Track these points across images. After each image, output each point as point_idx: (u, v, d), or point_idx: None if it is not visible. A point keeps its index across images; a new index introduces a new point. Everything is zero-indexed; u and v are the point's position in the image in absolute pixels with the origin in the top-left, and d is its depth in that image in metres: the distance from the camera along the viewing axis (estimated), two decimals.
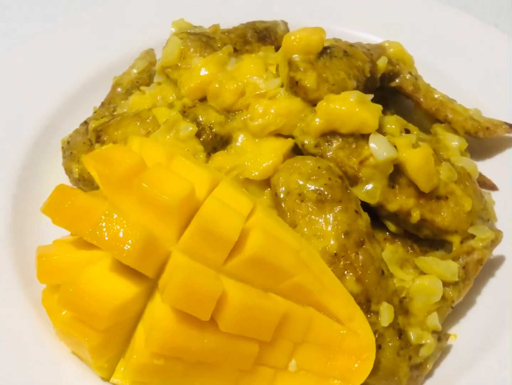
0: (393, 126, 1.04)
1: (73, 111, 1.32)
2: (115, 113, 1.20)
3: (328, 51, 1.09)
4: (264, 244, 0.89)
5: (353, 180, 1.01)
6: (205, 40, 1.23)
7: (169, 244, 0.90)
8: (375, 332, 0.93)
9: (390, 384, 0.95)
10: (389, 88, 1.27)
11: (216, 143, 1.07)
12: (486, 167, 1.26)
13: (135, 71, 1.30)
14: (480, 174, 1.23)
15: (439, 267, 1.00)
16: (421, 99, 1.25)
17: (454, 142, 1.17)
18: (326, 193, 0.98)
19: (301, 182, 0.99)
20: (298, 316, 0.90)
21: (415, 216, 1.02)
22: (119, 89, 1.28)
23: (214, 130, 1.06)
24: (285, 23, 1.41)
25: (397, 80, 1.26)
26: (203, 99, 1.12)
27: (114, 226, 0.85)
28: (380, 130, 1.03)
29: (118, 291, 0.88)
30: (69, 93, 1.35)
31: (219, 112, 1.08)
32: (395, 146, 1.00)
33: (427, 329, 0.97)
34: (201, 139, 1.06)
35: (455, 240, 1.05)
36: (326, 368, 0.91)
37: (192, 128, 1.05)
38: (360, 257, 0.95)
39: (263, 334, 0.88)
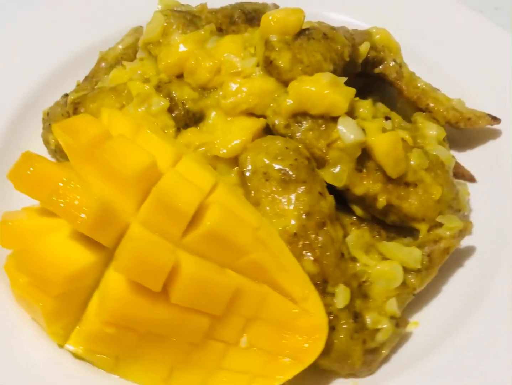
0: (366, 111, 1.04)
1: (60, 85, 1.33)
2: (96, 87, 1.21)
3: (306, 32, 1.08)
4: (221, 219, 0.89)
5: (320, 162, 1.01)
6: (189, 18, 1.22)
7: (128, 216, 0.90)
8: (329, 314, 0.93)
9: (343, 367, 0.95)
10: (374, 75, 1.26)
11: (188, 119, 1.07)
12: (467, 158, 1.25)
13: (120, 47, 1.31)
14: (459, 166, 1.22)
15: (402, 253, 1.00)
16: (404, 86, 1.24)
17: (432, 132, 1.16)
18: (290, 173, 0.97)
19: (267, 162, 0.99)
20: (252, 293, 0.90)
21: (382, 201, 1.02)
22: (103, 64, 1.28)
23: (186, 106, 1.07)
24: (276, 6, 1.41)
25: (380, 67, 1.25)
26: (180, 76, 1.12)
27: (71, 193, 0.86)
28: (352, 113, 1.03)
29: (74, 258, 0.88)
30: (56, 67, 1.36)
31: (194, 89, 1.09)
32: (364, 130, 0.99)
33: (385, 314, 0.97)
34: (173, 114, 1.06)
35: (422, 227, 1.04)
36: (277, 346, 0.91)
37: (164, 103, 1.05)
38: (320, 238, 0.95)
39: (214, 308, 0.88)
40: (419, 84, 1.24)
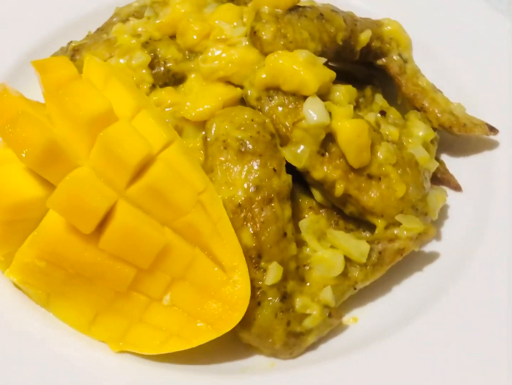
0: (341, 96, 1.01)
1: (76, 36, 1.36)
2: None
3: (300, 9, 1.07)
4: (163, 176, 0.90)
5: (284, 140, 1.00)
6: None
7: (79, 158, 0.93)
8: (258, 289, 0.92)
9: (264, 344, 0.94)
10: (379, 66, 1.23)
11: (168, 79, 1.08)
12: (458, 166, 1.21)
13: (136, 4, 1.33)
14: (446, 172, 1.18)
15: (348, 244, 0.98)
16: (403, 82, 1.20)
17: (420, 132, 1.12)
18: (248, 144, 0.97)
19: (229, 130, 0.99)
20: (181, 253, 0.91)
21: (339, 189, 1.00)
22: (115, 18, 1.31)
23: (168, 65, 1.08)
24: None
25: (383, 59, 1.22)
26: (173, 37, 1.13)
27: (25, 126, 0.88)
28: (325, 96, 1.01)
29: (22, 189, 0.92)
30: (75, 20, 1.40)
31: (180, 51, 1.09)
32: (331, 114, 0.97)
33: (318, 302, 0.95)
34: (153, 71, 1.08)
35: (379, 223, 1.02)
36: (198, 309, 0.91)
37: (144, 58, 1.07)
38: (264, 213, 0.94)
39: (141, 261, 0.89)
40: (420, 82, 1.20)
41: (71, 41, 1.26)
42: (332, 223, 1.04)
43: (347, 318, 1.02)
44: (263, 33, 1.02)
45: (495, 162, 1.18)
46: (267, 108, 1.00)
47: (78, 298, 0.94)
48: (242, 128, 0.99)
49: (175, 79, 1.09)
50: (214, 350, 0.94)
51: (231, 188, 0.96)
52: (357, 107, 1.17)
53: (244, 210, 0.94)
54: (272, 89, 1.01)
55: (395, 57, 1.21)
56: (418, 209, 1.03)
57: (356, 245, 0.98)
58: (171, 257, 0.91)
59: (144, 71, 1.07)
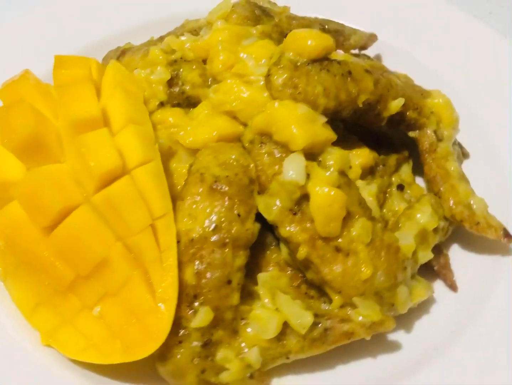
0: (331, 161, 0.97)
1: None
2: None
3: (325, 62, 1.04)
4: (123, 191, 0.92)
5: (262, 188, 0.98)
6: (258, 14, 1.24)
7: (62, 155, 0.97)
8: (183, 328, 0.92)
9: (175, 383, 0.93)
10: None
11: (182, 100, 1.10)
12: (465, 264, 1.11)
13: (203, 21, 1.36)
14: (446, 267, 1.10)
15: (290, 311, 0.94)
16: (428, 160, 1.13)
17: (422, 218, 1.05)
18: (222, 183, 0.96)
19: (210, 164, 0.98)
20: (120, 270, 0.92)
21: (301, 252, 0.96)
22: (177, 29, 1.35)
23: (184, 87, 1.09)
24: (369, 36, 1.36)
25: (417, 132, 1.15)
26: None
27: (16, 113, 0.94)
28: (315, 156, 0.97)
29: (3, 169, 0.98)
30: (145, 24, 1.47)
31: (202, 76, 1.10)
32: (308, 176, 0.94)
33: (242, 359, 0.93)
34: (170, 90, 1.10)
35: (336, 300, 0.96)
36: (120, 329, 0.92)
37: (164, 76, 1.09)
38: (213, 256, 0.93)
39: (81, 266, 0.91)
40: (447, 166, 1.12)
41: (128, 43, 1.32)
42: (293, 284, 1.00)
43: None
44: (275, 77, 1.01)
45: (503, 271, 1.07)
46: (255, 152, 0.99)
47: (26, 283, 0.99)
48: (223, 166, 0.98)
49: (189, 102, 1.10)
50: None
51: (191, 221, 0.95)
52: (371, 173, 1.12)
53: (196, 247, 0.94)
54: (266, 136, 0.99)
55: (428, 132, 1.14)
56: (383, 298, 0.97)
57: (299, 315, 0.94)
58: (109, 271, 0.92)
59: (161, 87, 1.09)
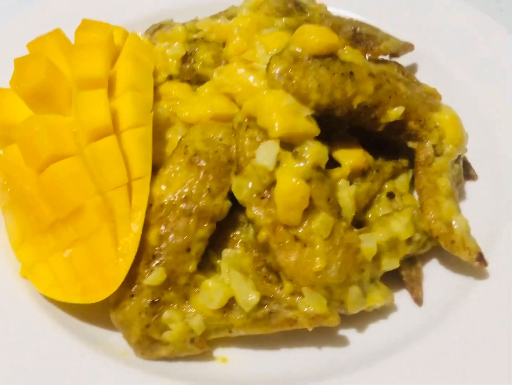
0: (307, 154, 1.00)
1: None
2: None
3: (328, 60, 1.06)
4: (107, 149, 1.00)
5: (239, 169, 1.02)
6: (290, 7, 1.28)
7: (68, 108, 1.06)
8: (137, 283, 0.99)
9: (123, 332, 1.00)
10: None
11: (192, 77, 1.17)
12: (438, 283, 1.11)
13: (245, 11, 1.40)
14: (415, 280, 1.11)
15: (238, 288, 0.99)
16: (419, 172, 1.13)
17: (397, 227, 1.06)
18: (201, 158, 1.02)
19: (195, 139, 1.04)
20: (92, 220, 0.99)
21: (261, 235, 1.00)
22: (220, 13, 1.40)
23: (195, 64, 1.16)
24: (404, 44, 1.36)
25: (416, 143, 1.15)
26: None
27: (31, 64, 1.04)
28: (292, 147, 1.01)
29: (14, 114, 1.08)
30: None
31: (216, 58, 1.16)
32: (278, 164, 0.98)
33: (186, 324, 0.98)
34: (183, 65, 1.16)
35: (287, 287, 1.00)
36: (83, 273, 1.00)
37: (179, 51, 1.16)
38: (178, 223, 0.99)
39: (60, 210, 1.00)
40: (438, 182, 1.11)
41: (169, 19, 1.39)
42: (255, 266, 1.04)
43: (217, 355, 1.02)
44: (273, 66, 1.04)
45: (472, 297, 1.06)
46: (240, 134, 1.03)
47: (17, 219, 1.09)
48: (206, 142, 1.04)
49: (198, 80, 1.17)
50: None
51: (166, 188, 1.02)
52: (364, 175, 1.13)
53: (164, 211, 1.00)
54: (252, 120, 1.03)
55: (427, 145, 1.13)
56: (333, 293, 0.99)
57: (246, 293, 0.98)
58: (83, 219, 1.00)
59: (174, 62, 1.16)
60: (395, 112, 1.10)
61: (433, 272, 1.13)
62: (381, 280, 1.06)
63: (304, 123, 1.00)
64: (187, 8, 1.53)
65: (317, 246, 0.98)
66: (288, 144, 1.00)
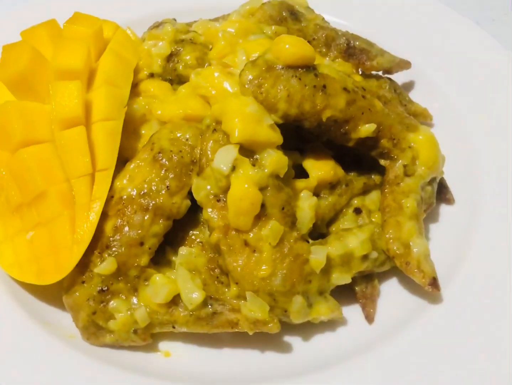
0: (266, 162, 1.01)
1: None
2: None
3: (302, 71, 1.07)
4: (74, 138, 1.04)
5: (200, 170, 1.05)
6: (285, 15, 1.30)
7: (46, 96, 1.10)
8: (89, 271, 1.02)
9: (72, 316, 1.04)
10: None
11: (174, 77, 1.20)
12: (394, 303, 1.11)
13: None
14: (369, 297, 1.10)
15: (183, 285, 1.01)
16: (386, 190, 1.13)
17: (352, 242, 1.06)
18: (164, 156, 1.05)
19: (163, 137, 1.07)
20: (53, 205, 1.03)
21: (214, 237, 1.02)
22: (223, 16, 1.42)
23: (177, 64, 1.19)
24: (400, 61, 1.36)
25: (388, 161, 1.15)
26: None
27: (16, 51, 1.09)
28: (252, 154, 1.02)
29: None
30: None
31: (199, 60, 1.19)
32: (234, 168, 0.99)
33: (131, 315, 1.01)
34: (166, 64, 1.20)
35: (233, 290, 1.01)
36: (40, 256, 1.04)
37: (163, 51, 1.19)
38: (134, 217, 1.02)
39: (26, 193, 1.05)
40: (402, 202, 1.11)
41: (170, 18, 1.42)
42: (208, 267, 1.06)
43: (162, 348, 1.05)
44: (246, 73, 1.06)
45: (423, 321, 1.05)
46: (205, 136, 1.05)
47: None
48: (172, 141, 1.06)
49: (179, 80, 1.19)
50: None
51: (128, 182, 1.05)
52: (332, 188, 1.14)
53: (122, 204, 1.03)
54: (219, 124, 1.05)
55: (397, 165, 1.13)
56: (277, 301, 1.00)
57: (191, 291, 1.00)
58: (46, 204, 1.04)
59: (159, 61, 1.19)
60: (366, 129, 1.10)
61: (391, 291, 1.13)
62: (338, 292, 1.06)
63: (266, 131, 1.02)
64: (199, 8, 1.55)
65: (265, 253, 0.99)
66: (250, 150, 1.02)
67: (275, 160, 1.02)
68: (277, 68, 1.07)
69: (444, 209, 1.24)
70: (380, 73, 1.37)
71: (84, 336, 1.03)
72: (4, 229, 1.11)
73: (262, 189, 1.00)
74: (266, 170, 1.01)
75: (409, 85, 1.46)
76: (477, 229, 1.16)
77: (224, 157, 1.00)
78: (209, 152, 1.04)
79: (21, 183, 1.05)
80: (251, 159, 1.01)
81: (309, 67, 1.08)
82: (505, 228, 1.14)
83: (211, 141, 1.04)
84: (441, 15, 1.52)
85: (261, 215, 1.00)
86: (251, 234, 1.00)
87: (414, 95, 1.41)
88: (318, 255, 1.02)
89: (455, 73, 1.42)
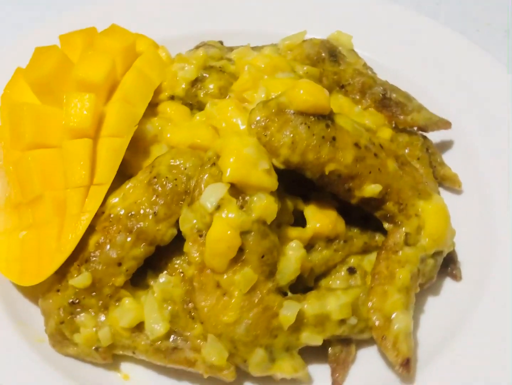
0: (255, 205, 0.98)
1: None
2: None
3: (313, 119, 1.04)
4: (78, 149, 1.06)
5: (191, 202, 1.04)
6: (323, 57, 1.28)
7: None
8: (66, 281, 1.04)
9: (44, 320, 1.06)
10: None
11: (194, 102, 1.20)
12: (369, 372, 1.07)
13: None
14: (342, 364, 1.06)
15: (148, 315, 1.01)
16: (380, 258, 1.08)
17: (329, 305, 1.02)
18: (158, 182, 1.05)
19: (163, 162, 1.07)
20: (46, 211, 1.06)
21: (189, 271, 1.01)
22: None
23: (199, 91, 1.19)
24: (438, 121, 1.31)
25: (391, 226, 1.10)
26: None
27: (45, 56, 1.13)
28: (244, 196, 1.00)
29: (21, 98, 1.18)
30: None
31: (223, 89, 1.19)
32: (219, 208, 0.98)
33: (95, 332, 1.02)
34: (190, 89, 1.20)
35: (197, 328, 1.01)
36: (26, 257, 1.07)
37: (190, 75, 1.20)
38: (117, 237, 1.03)
39: (26, 193, 1.08)
40: (397, 273, 1.06)
41: (215, 41, 1.42)
42: (184, 299, 1.05)
43: (124, 369, 1.05)
44: (255, 112, 1.04)
45: None
46: (203, 168, 1.04)
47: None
48: (170, 168, 1.06)
49: (199, 106, 1.19)
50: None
51: (120, 201, 1.06)
52: (329, 242, 1.11)
53: (109, 222, 1.04)
54: (219, 159, 1.04)
55: (399, 232, 1.08)
56: (238, 349, 0.98)
57: (155, 321, 1.00)
58: (40, 208, 1.07)
59: (183, 85, 1.20)
60: (371, 189, 1.06)
61: (368, 360, 1.08)
62: (312, 349, 1.03)
63: (259, 175, 0.99)
64: (254, 33, 1.54)
65: (234, 299, 0.97)
66: (240, 191, 1.00)
67: (264, 205, 0.99)
68: (288, 112, 1.04)
69: (448, 283, 1.17)
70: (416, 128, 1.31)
71: (51, 342, 1.05)
72: (5, 222, 1.14)
73: (244, 233, 0.98)
74: (253, 214, 0.99)
75: (447, 145, 1.38)
76: (475, 313, 1.09)
77: (211, 194, 0.99)
78: (202, 186, 1.03)
79: (23, 183, 1.08)
80: (241, 201, 0.99)
81: (323, 116, 1.05)
82: (504, 318, 1.06)
83: (207, 174, 1.03)
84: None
85: (238, 259, 0.98)
86: (225, 276, 0.98)
87: (449, 158, 1.34)
88: (289, 311, 0.99)
89: (496, 141, 1.33)
